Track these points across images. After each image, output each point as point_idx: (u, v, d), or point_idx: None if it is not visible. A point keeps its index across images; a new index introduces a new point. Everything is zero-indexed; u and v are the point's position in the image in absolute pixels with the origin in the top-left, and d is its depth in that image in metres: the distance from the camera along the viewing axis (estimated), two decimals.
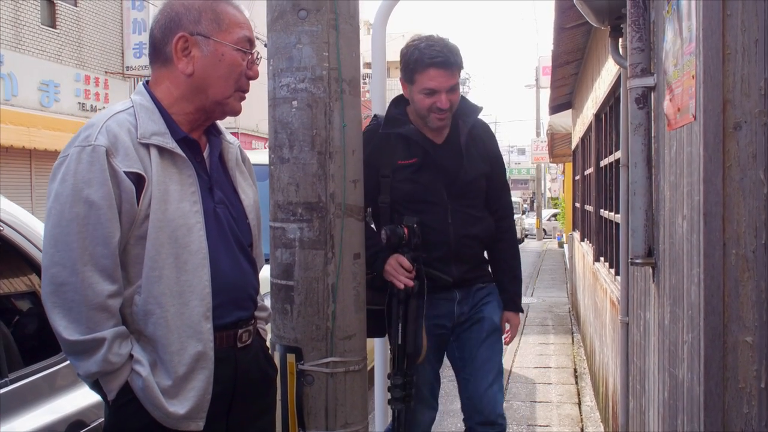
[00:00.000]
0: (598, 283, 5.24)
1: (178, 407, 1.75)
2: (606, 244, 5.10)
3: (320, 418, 2.42)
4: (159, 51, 1.87)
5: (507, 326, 2.98)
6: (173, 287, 1.77)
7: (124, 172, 1.71)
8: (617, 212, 4.09)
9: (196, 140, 1.91)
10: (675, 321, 2.02)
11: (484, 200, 2.91)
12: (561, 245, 22.68)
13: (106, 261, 1.69)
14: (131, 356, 1.74)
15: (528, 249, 24.44)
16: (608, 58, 3.88)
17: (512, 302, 2.95)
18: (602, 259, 5.28)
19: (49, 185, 1.75)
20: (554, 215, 32.87)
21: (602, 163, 5.21)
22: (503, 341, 2.97)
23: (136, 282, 1.75)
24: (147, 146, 1.77)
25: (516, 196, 46.36)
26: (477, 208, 2.88)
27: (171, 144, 1.80)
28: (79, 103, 15.50)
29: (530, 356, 7.17)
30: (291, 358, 2.42)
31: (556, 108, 9.32)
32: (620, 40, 2.87)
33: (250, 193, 2.08)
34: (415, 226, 2.72)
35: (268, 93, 2.45)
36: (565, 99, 8.73)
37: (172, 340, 1.76)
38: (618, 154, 3.87)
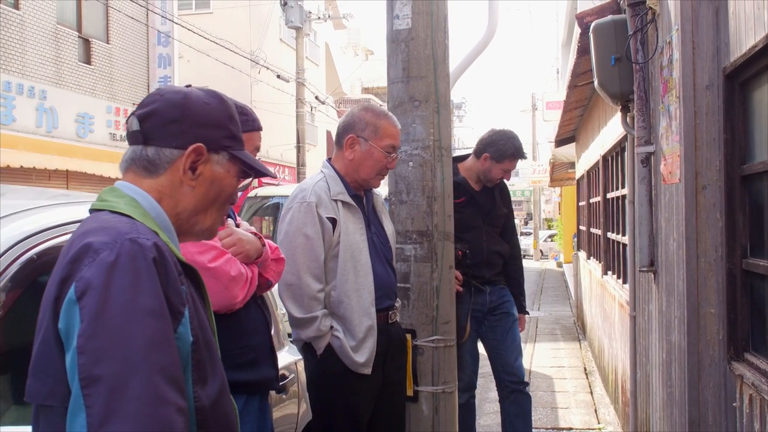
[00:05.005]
0: (606, 293, 6.38)
1: (359, 357, 2.86)
2: (613, 261, 6.25)
3: (428, 378, 3.53)
4: (339, 139, 3.00)
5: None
6: (353, 285, 2.88)
7: (326, 217, 2.84)
8: (623, 235, 5.24)
9: (360, 195, 3.04)
10: (669, 306, 3.15)
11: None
12: (560, 265, 23.69)
13: (317, 271, 2.81)
14: (331, 327, 2.86)
15: (528, 269, 25.36)
16: (615, 114, 5.04)
17: (521, 307, 4.44)
18: (610, 272, 6.42)
19: (280, 225, 2.87)
20: (551, 236, 33.09)
21: (609, 195, 6.38)
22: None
23: (332, 283, 2.87)
24: (336, 201, 2.89)
25: None
26: (499, 234, 4.38)
27: (348, 199, 2.92)
28: (110, 133, 16.51)
29: (545, 358, 8.31)
30: (408, 336, 3.54)
31: (560, 142, 10.53)
32: (628, 114, 4.03)
33: (389, 227, 3.18)
34: (467, 251, 4.05)
35: None
36: (569, 134, 9.92)
37: (354, 318, 2.87)
38: (624, 191, 5.04)
